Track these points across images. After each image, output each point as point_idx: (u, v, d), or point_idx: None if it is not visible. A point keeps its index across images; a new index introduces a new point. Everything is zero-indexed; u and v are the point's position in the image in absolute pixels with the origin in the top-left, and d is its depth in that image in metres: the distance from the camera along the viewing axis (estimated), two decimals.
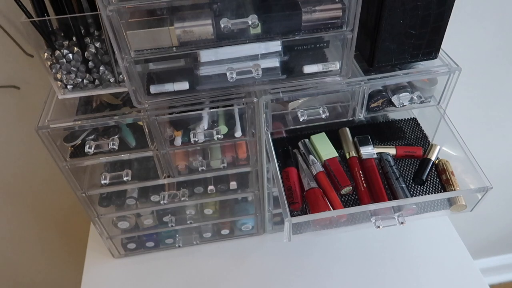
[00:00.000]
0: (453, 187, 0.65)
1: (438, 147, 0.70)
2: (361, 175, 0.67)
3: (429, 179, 0.68)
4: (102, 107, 0.67)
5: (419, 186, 0.68)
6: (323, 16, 0.54)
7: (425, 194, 0.67)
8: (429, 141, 0.76)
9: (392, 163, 0.68)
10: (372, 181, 0.66)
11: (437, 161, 0.69)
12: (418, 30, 0.60)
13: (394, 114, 0.82)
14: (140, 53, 0.53)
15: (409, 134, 0.78)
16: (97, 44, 0.57)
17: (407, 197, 0.63)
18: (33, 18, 0.55)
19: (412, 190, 0.67)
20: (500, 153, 1.25)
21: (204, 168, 0.71)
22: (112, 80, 0.60)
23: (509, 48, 0.95)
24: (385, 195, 0.64)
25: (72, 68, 0.58)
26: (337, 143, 0.72)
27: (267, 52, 0.57)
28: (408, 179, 0.69)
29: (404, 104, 0.66)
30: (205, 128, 0.65)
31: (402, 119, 0.81)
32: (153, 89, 0.57)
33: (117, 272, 0.85)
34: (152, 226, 0.83)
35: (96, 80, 0.60)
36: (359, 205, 0.65)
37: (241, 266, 0.85)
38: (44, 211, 1.12)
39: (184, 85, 0.58)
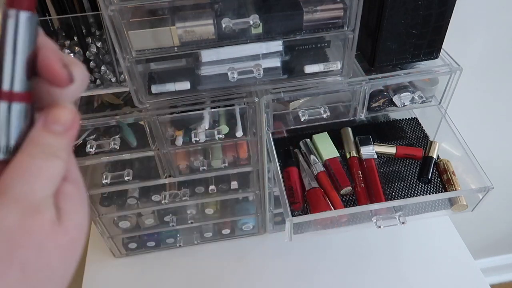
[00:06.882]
0: (454, 187, 0.65)
1: (437, 144, 0.70)
2: (360, 175, 0.67)
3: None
4: (103, 106, 0.67)
5: (420, 186, 0.68)
6: (324, 16, 0.54)
7: (426, 194, 0.67)
8: (430, 141, 0.76)
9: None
10: (371, 181, 0.66)
11: (438, 161, 0.69)
12: (419, 30, 0.60)
13: (395, 114, 0.82)
14: (141, 53, 0.53)
15: (410, 134, 0.78)
16: (99, 44, 0.57)
17: None
18: None
19: (412, 190, 0.68)
20: (501, 153, 1.25)
21: (205, 167, 0.71)
22: (113, 79, 0.60)
23: (510, 47, 0.95)
24: (382, 196, 0.64)
25: None
26: (339, 143, 0.72)
27: (268, 52, 0.57)
28: (411, 178, 0.69)
29: (405, 104, 0.66)
30: (206, 127, 0.65)
31: (403, 119, 0.81)
32: (155, 88, 0.57)
33: (118, 271, 0.85)
34: (153, 226, 0.83)
35: (98, 80, 0.60)
36: (357, 205, 0.65)
37: (242, 265, 0.85)
38: None
39: (186, 85, 0.58)
